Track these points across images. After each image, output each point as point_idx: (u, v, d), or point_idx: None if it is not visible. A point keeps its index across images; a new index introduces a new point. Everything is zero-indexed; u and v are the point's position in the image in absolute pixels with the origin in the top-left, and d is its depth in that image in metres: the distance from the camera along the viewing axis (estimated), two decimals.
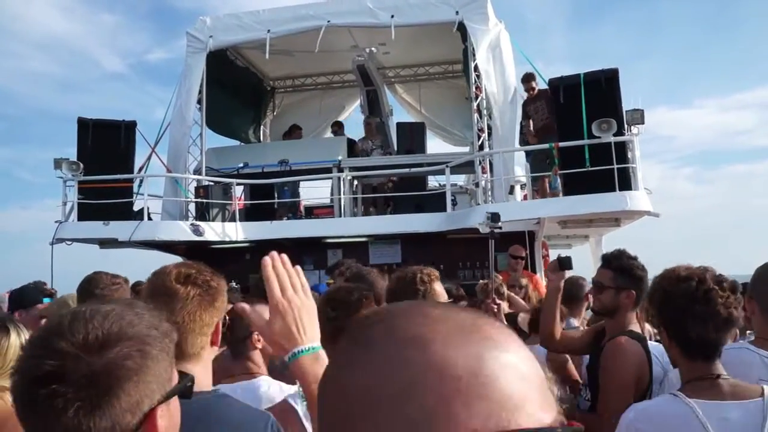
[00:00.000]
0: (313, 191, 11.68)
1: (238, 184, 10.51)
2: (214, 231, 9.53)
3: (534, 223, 8.64)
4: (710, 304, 2.00)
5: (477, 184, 9.54)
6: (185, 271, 1.73)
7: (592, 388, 3.01)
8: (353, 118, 14.43)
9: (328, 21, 9.99)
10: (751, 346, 2.47)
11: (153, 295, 1.75)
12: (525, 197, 10.37)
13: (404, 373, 0.51)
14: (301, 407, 1.67)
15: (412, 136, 11.05)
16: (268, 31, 10.23)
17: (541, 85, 9.79)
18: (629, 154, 8.23)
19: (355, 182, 10.90)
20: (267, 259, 1.26)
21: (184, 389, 1.08)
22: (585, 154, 8.18)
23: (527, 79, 9.80)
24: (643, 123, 8.23)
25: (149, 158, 10.76)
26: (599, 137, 8.03)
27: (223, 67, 11.44)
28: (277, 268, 1.26)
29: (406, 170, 10.18)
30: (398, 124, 11.83)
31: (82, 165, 9.33)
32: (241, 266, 9.11)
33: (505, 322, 3.48)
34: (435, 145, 13.45)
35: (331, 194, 10.96)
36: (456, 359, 0.51)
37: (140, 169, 10.33)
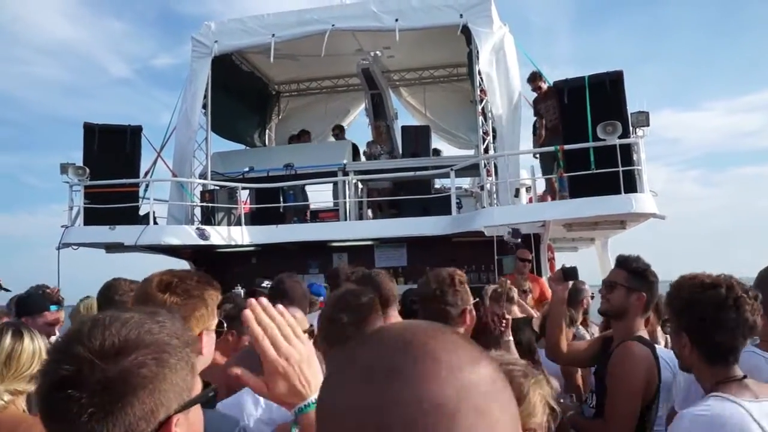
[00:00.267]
0: (319, 195, 11.69)
1: (244, 188, 10.52)
2: (220, 235, 9.55)
3: (539, 225, 8.63)
4: (740, 312, 2.01)
5: (482, 187, 9.53)
6: (167, 279, 1.72)
7: (598, 394, 2.98)
8: (358, 121, 14.46)
9: (333, 25, 10.02)
10: (757, 349, 2.47)
11: (137, 302, 1.74)
12: (530, 200, 10.36)
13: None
14: None
15: (417, 140, 11.06)
16: (273, 35, 10.26)
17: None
18: (634, 157, 8.21)
19: (360, 186, 10.90)
20: (248, 314, 1.14)
21: (206, 399, 1.07)
22: (590, 157, 8.17)
23: (533, 78, 9.78)
24: (648, 125, 8.21)
25: (155, 163, 10.80)
26: (604, 140, 8.01)
27: (228, 72, 11.47)
28: (263, 321, 1.15)
29: (411, 173, 10.19)
30: (403, 128, 11.83)
31: (88, 170, 9.35)
32: (247, 270, 9.14)
33: (512, 327, 3.48)
34: (440, 148, 13.46)
35: (334, 198, 10.97)
36: None
37: (146, 174, 10.36)
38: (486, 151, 9.75)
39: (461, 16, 9.68)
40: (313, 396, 1.14)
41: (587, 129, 8.19)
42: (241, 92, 12.55)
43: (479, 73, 9.67)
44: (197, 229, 9.51)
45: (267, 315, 1.15)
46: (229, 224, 10.06)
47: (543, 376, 1.75)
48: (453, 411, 0.55)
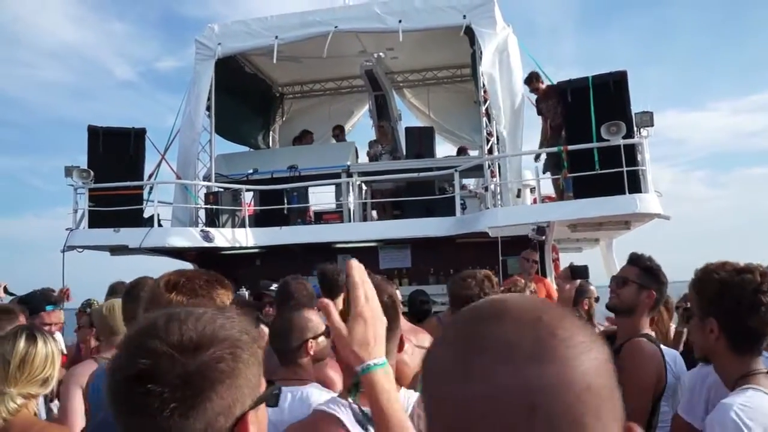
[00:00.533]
0: (323, 197, 11.69)
1: (248, 190, 10.52)
2: (224, 237, 9.56)
3: (544, 226, 8.62)
4: None
5: (486, 188, 9.52)
6: (174, 278, 1.73)
7: None
8: (361, 122, 14.46)
9: (336, 27, 10.02)
10: None
11: (147, 302, 1.77)
12: (534, 201, 10.34)
13: None
14: (345, 414, 1.63)
15: (421, 141, 11.05)
16: (276, 37, 10.26)
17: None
18: (639, 157, 8.19)
19: (364, 187, 10.91)
20: (354, 263, 1.27)
21: (272, 396, 1.07)
22: (594, 157, 8.16)
23: (530, 79, 9.68)
24: (652, 125, 8.19)
25: (159, 165, 10.82)
26: (608, 140, 8.00)
27: (231, 74, 11.48)
28: (363, 275, 1.27)
29: (415, 175, 10.18)
30: (407, 129, 11.83)
31: (92, 172, 9.37)
32: (252, 272, 9.14)
33: None
34: (444, 149, 13.45)
35: (336, 199, 10.97)
36: None
37: (150, 176, 10.37)
38: (490, 152, 9.74)
39: (464, 17, 9.66)
40: (382, 358, 1.23)
41: (591, 129, 8.17)
42: (244, 94, 12.57)
43: (482, 74, 9.67)
44: (201, 231, 9.52)
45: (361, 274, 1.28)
46: (233, 226, 10.08)
47: None
48: (599, 391, 0.57)
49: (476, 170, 10.06)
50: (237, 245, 9.62)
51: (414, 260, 10.04)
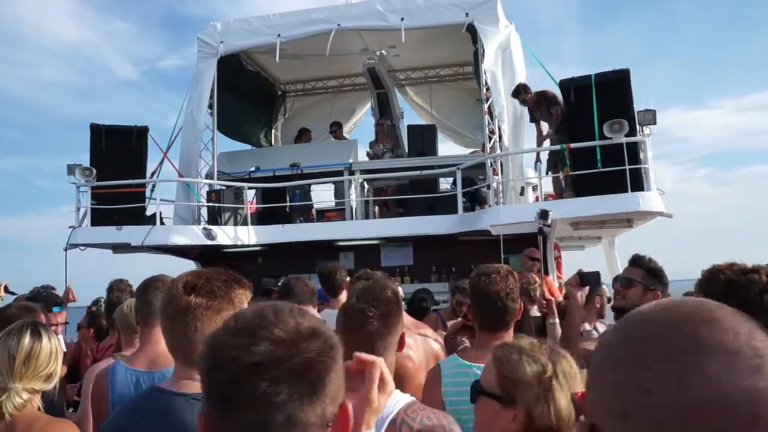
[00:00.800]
0: (325, 194, 11.70)
1: (250, 188, 10.53)
2: (227, 235, 9.57)
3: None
4: None
5: (488, 186, 9.52)
6: (192, 279, 1.73)
7: None
8: (363, 121, 14.47)
9: (338, 24, 10.01)
10: None
11: (164, 304, 1.76)
12: (536, 198, 10.33)
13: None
14: None
15: (423, 139, 11.05)
16: (279, 35, 10.26)
17: (545, 86, 9.69)
18: (641, 155, 8.18)
19: (366, 185, 10.91)
20: (365, 357, 1.39)
21: None
22: (597, 155, 8.15)
23: (517, 92, 9.44)
24: (655, 123, 8.18)
25: (161, 163, 10.83)
26: (611, 138, 7.99)
27: (234, 72, 11.49)
28: (376, 371, 1.38)
29: (417, 172, 10.18)
30: (409, 127, 11.83)
31: (95, 171, 9.37)
32: (254, 270, 9.15)
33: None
34: (447, 147, 13.45)
35: (335, 197, 10.97)
36: None
37: (152, 174, 10.38)
38: (492, 149, 9.74)
39: (467, 14, 9.66)
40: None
41: (594, 127, 8.16)
42: (246, 92, 12.58)
43: (484, 71, 9.66)
44: (204, 229, 9.54)
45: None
46: (235, 224, 10.08)
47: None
48: None
49: (478, 168, 10.05)
50: (239, 243, 9.63)
51: (416, 258, 10.04)
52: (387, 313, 2.08)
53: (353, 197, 10.45)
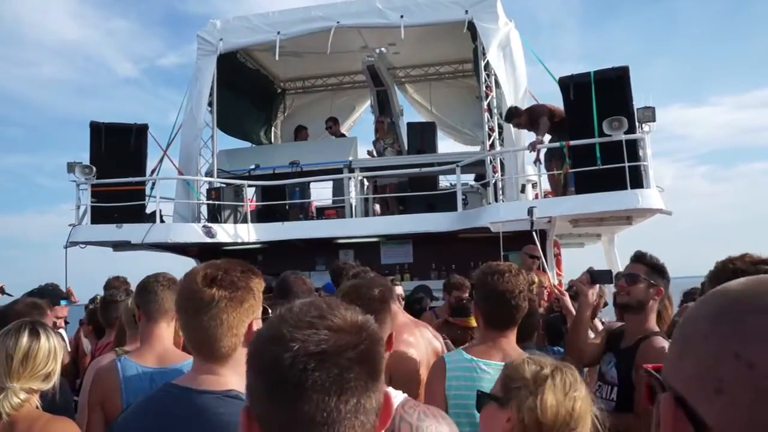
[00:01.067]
0: (324, 192, 11.71)
1: (250, 185, 10.53)
2: (226, 232, 9.57)
3: (545, 221, 8.62)
4: None
5: (486, 185, 9.52)
6: (212, 272, 1.69)
7: (621, 388, 3.00)
8: (363, 118, 14.46)
9: (338, 22, 10.01)
10: None
11: (183, 297, 1.73)
12: (536, 196, 10.34)
13: None
14: None
15: (423, 136, 11.05)
16: (278, 32, 10.26)
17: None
18: (641, 152, 8.18)
19: (366, 183, 10.91)
20: None
21: None
22: (596, 153, 8.15)
23: (510, 117, 9.44)
24: (654, 120, 8.19)
25: (161, 161, 10.84)
26: (610, 135, 7.99)
27: (233, 70, 11.49)
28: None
29: (417, 170, 10.18)
30: (409, 124, 11.83)
31: (94, 168, 9.38)
32: None
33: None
34: (447, 144, 13.45)
35: (336, 195, 10.97)
36: None
37: (152, 172, 10.39)
38: (492, 147, 9.74)
39: (466, 12, 9.65)
40: None
41: (593, 125, 8.16)
42: (246, 90, 12.58)
43: (485, 68, 9.66)
44: (204, 226, 9.55)
45: None
46: (235, 222, 10.09)
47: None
48: None
49: (478, 165, 10.05)
50: (239, 241, 9.63)
51: (416, 255, 10.05)
52: (371, 313, 2.10)
53: (353, 195, 10.45)
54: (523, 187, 9.94)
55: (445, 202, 9.55)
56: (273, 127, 14.10)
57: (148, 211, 9.80)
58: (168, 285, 2.85)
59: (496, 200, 9.15)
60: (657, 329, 2.98)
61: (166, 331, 2.80)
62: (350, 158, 10.66)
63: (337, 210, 10.72)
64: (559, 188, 9.16)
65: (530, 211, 6.17)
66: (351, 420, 0.89)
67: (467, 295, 5.28)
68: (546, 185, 10.34)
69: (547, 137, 9.38)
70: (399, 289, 4.11)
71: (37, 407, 2.27)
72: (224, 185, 10.45)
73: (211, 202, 10.30)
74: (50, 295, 4.51)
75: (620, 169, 7.91)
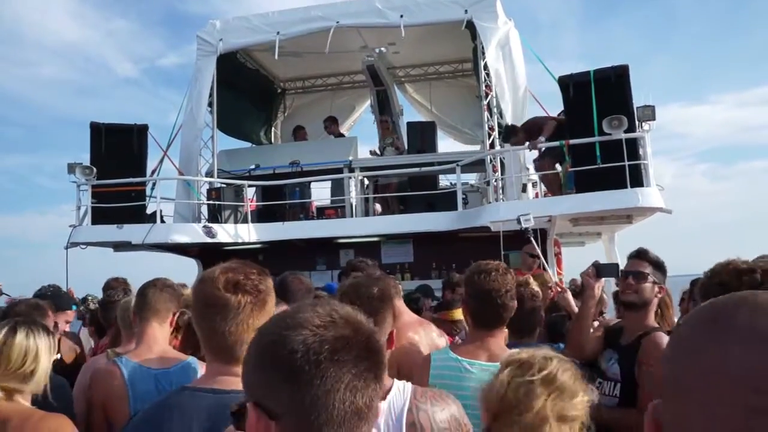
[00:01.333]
0: (324, 192, 11.71)
1: (250, 185, 10.53)
2: (227, 233, 9.58)
3: (545, 221, 8.62)
4: None
5: (488, 183, 9.52)
6: (233, 277, 1.68)
7: (624, 384, 2.99)
8: (363, 118, 14.45)
9: (337, 22, 10.01)
10: None
11: (205, 304, 1.69)
12: (537, 195, 10.34)
13: None
14: None
15: (423, 136, 11.05)
16: (278, 33, 10.26)
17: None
18: (640, 151, 8.18)
19: (366, 182, 10.91)
20: None
21: None
22: (596, 152, 8.15)
23: (507, 136, 9.47)
24: (654, 119, 8.19)
25: (161, 161, 10.85)
26: (610, 134, 7.99)
27: (233, 70, 11.49)
28: None
29: (417, 169, 10.19)
30: (409, 124, 11.83)
31: (95, 169, 9.39)
32: None
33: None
34: (447, 144, 13.44)
35: (336, 194, 10.97)
36: None
37: (153, 173, 10.39)
38: (492, 146, 9.74)
39: (466, 11, 9.65)
40: None
41: (593, 123, 8.16)
42: (246, 90, 12.58)
43: (484, 67, 9.66)
44: (204, 227, 9.55)
45: None
46: (235, 222, 10.09)
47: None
48: None
49: (478, 165, 10.05)
50: (239, 241, 9.64)
51: (416, 255, 10.05)
52: (370, 312, 2.11)
53: (353, 194, 10.45)
54: (524, 186, 9.94)
55: (446, 201, 9.55)
56: (273, 127, 14.11)
57: (149, 211, 9.81)
58: (161, 287, 2.87)
59: (497, 200, 9.15)
60: (657, 325, 2.98)
61: (159, 330, 2.80)
62: (350, 158, 10.67)
63: (337, 210, 10.72)
64: (554, 186, 9.16)
65: (519, 221, 6.22)
66: (360, 413, 0.94)
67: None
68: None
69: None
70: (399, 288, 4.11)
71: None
72: (224, 185, 10.45)
73: (211, 202, 10.30)
74: (65, 299, 4.48)
75: (620, 167, 7.91)
